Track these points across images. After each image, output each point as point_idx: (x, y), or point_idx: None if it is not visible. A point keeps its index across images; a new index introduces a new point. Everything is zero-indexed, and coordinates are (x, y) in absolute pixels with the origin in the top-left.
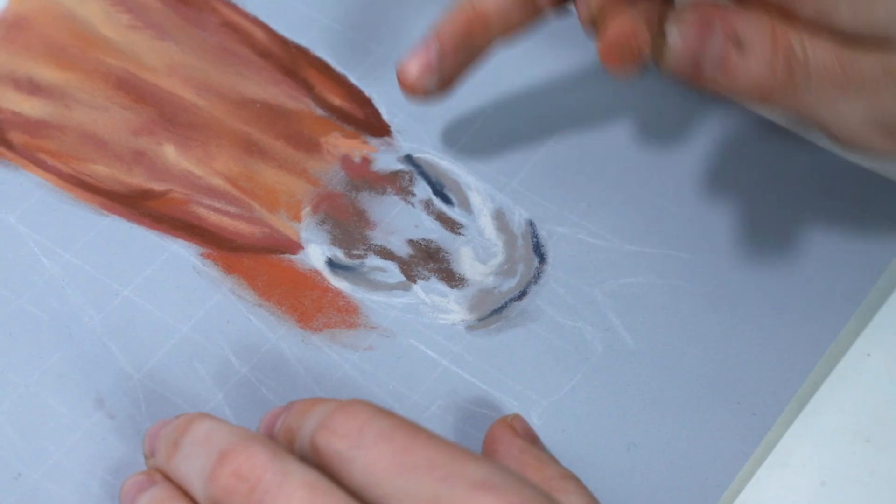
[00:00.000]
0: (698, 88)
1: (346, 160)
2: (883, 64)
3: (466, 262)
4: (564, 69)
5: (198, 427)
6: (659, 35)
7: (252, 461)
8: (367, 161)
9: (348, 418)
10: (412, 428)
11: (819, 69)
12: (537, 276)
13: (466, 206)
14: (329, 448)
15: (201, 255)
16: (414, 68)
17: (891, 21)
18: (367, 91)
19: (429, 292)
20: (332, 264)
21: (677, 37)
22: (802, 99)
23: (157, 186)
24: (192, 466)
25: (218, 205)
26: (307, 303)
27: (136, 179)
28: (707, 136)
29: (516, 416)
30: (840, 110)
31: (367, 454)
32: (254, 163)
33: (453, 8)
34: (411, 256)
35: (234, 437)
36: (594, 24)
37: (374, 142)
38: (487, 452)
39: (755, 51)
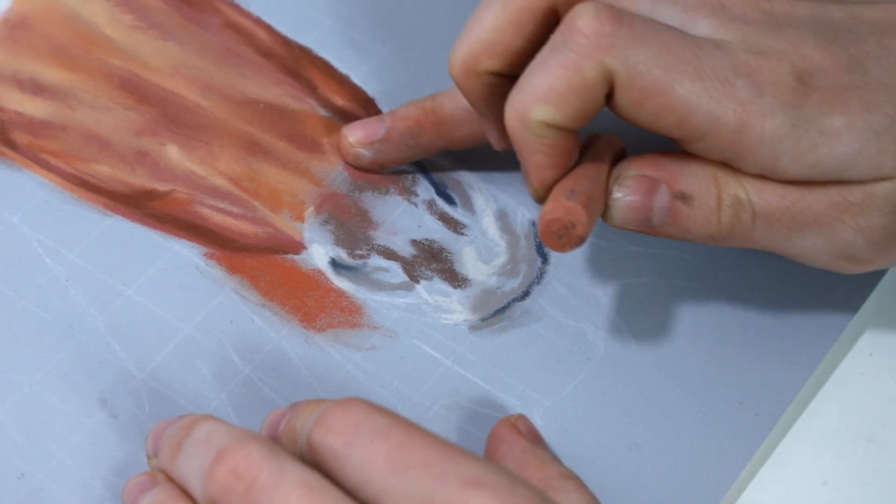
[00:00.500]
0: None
1: None
2: (833, 200)
3: (469, 262)
4: None
5: (199, 428)
6: (606, 194)
7: (248, 460)
8: None
9: (344, 415)
10: (407, 426)
11: (767, 213)
12: (540, 277)
13: (469, 206)
14: (324, 445)
15: (204, 255)
16: (355, 136)
17: (837, 164)
18: (370, 92)
19: (432, 292)
20: (336, 264)
21: (623, 197)
22: (757, 239)
23: (161, 187)
24: (191, 466)
25: (221, 205)
26: (310, 303)
27: (140, 180)
28: None
29: (520, 416)
30: (797, 245)
31: (362, 452)
32: (257, 163)
33: (417, 100)
34: (414, 256)
35: (231, 436)
36: (541, 202)
37: None
38: (490, 452)
39: (700, 203)
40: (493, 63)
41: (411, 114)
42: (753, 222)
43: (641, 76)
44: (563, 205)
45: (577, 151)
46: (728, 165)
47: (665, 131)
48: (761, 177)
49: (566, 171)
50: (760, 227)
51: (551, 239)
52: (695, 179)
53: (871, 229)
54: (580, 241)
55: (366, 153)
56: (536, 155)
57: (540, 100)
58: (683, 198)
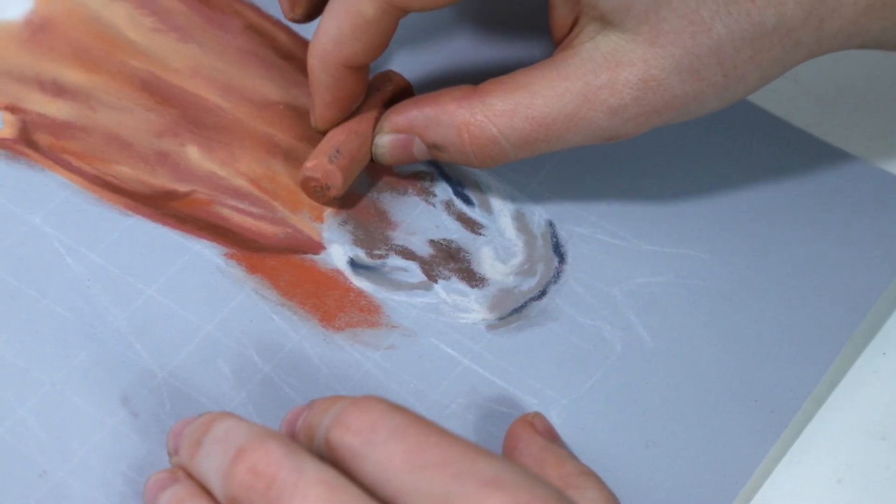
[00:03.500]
0: None
1: None
2: (580, 93)
3: (487, 261)
4: None
5: (219, 426)
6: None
7: (268, 458)
8: None
9: (361, 414)
10: (424, 425)
11: (521, 138)
12: (557, 276)
13: (487, 206)
14: (342, 444)
15: (225, 255)
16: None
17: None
18: None
19: (449, 292)
20: (354, 264)
21: (384, 146)
22: (521, 157)
23: (181, 187)
24: (211, 464)
25: (241, 205)
26: (329, 302)
27: (160, 180)
28: (725, 137)
29: (537, 415)
30: (561, 146)
31: (380, 450)
32: (277, 164)
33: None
34: (432, 256)
35: (250, 435)
36: (320, 132)
37: None
38: (507, 450)
39: (453, 150)
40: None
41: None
42: (510, 150)
43: None
44: (323, 167)
45: (362, 93)
46: (474, 100)
47: None
48: (505, 105)
49: (347, 114)
50: (518, 150)
51: (308, 191)
52: (443, 130)
53: (623, 108)
54: (334, 200)
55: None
56: (325, 94)
57: (334, 42)
58: (437, 147)
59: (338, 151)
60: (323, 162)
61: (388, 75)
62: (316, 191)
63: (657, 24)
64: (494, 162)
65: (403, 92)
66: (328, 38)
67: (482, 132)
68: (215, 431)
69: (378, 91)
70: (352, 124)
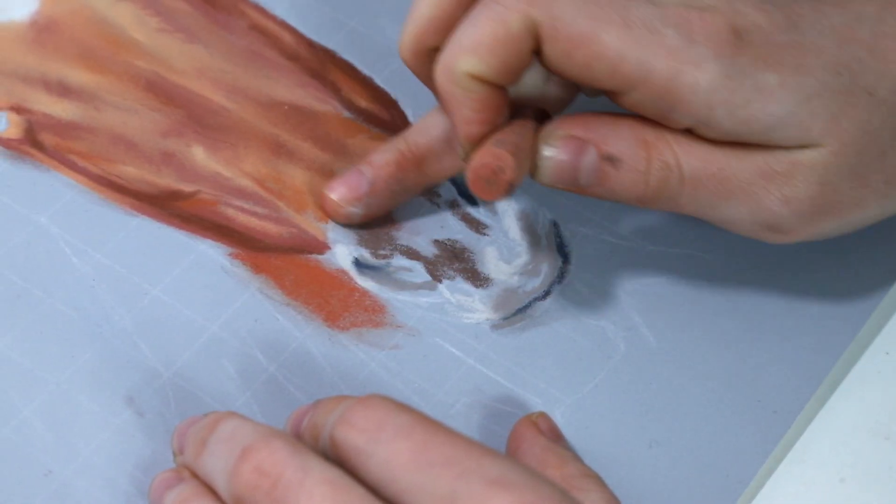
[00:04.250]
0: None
1: None
2: (759, 168)
3: (491, 262)
4: None
5: (224, 425)
6: (535, 153)
7: (273, 457)
8: None
9: (367, 413)
10: (430, 424)
11: (693, 178)
12: (561, 276)
13: (491, 207)
14: (347, 442)
15: (230, 255)
16: (339, 194)
17: (769, 123)
18: (393, 93)
19: (454, 292)
20: (359, 264)
21: (551, 156)
22: (684, 205)
23: (186, 187)
24: (216, 463)
25: (246, 205)
26: (334, 302)
27: (166, 180)
28: None
29: (541, 415)
30: (722, 213)
31: (385, 449)
32: (281, 164)
33: (388, 143)
34: (437, 256)
35: (255, 434)
36: (468, 160)
37: None
38: (511, 449)
39: (628, 166)
40: (438, 39)
41: (389, 159)
42: (681, 187)
43: (566, 26)
44: (490, 151)
45: (506, 111)
46: (660, 128)
47: (598, 83)
48: (692, 140)
49: (493, 129)
50: (687, 193)
51: (480, 185)
52: (624, 143)
53: (796, 200)
54: (508, 186)
55: (355, 210)
56: (462, 109)
57: (466, 52)
58: (611, 160)
59: (501, 141)
60: (488, 147)
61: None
62: (489, 181)
63: (839, 135)
64: (663, 191)
65: (548, 118)
66: (460, 47)
67: (664, 155)
68: (220, 431)
69: (528, 109)
70: (506, 128)
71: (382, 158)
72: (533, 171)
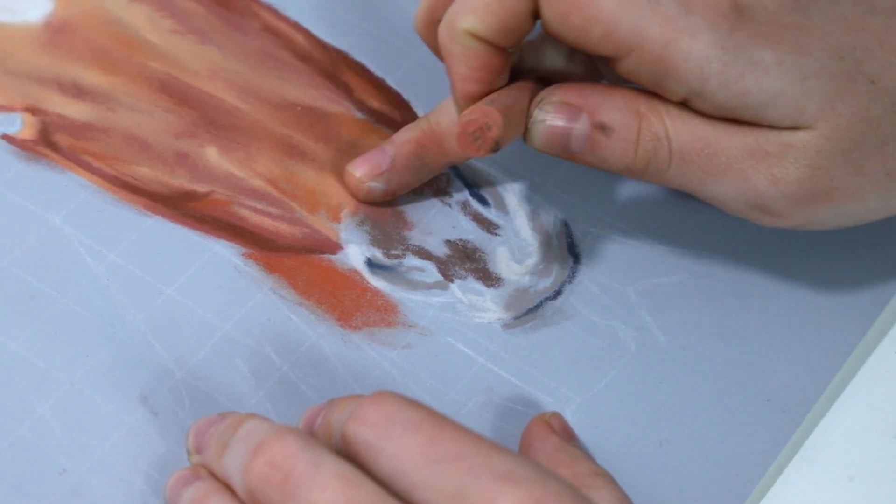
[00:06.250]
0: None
1: None
2: (749, 146)
3: (502, 261)
4: None
5: (244, 426)
6: (529, 116)
7: (285, 452)
8: None
9: (377, 408)
10: (439, 419)
11: (682, 151)
12: (572, 276)
13: (502, 207)
14: (358, 437)
15: (243, 255)
16: (361, 171)
17: (762, 99)
18: (405, 94)
19: (466, 291)
20: (371, 264)
21: (543, 121)
22: (671, 178)
23: (200, 188)
24: (233, 461)
25: (259, 206)
26: (347, 302)
27: (179, 181)
28: None
29: (554, 414)
30: (710, 189)
31: (395, 444)
32: (294, 165)
33: (412, 123)
34: (448, 256)
35: (269, 430)
36: None
37: None
38: (523, 448)
39: (619, 135)
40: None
41: (411, 137)
42: (669, 160)
43: None
44: (480, 108)
45: (504, 74)
46: (654, 100)
47: (594, 48)
48: (684, 113)
49: (491, 90)
50: (675, 166)
51: (467, 140)
52: (617, 112)
53: (784, 181)
54: (494, 144)
55: (376, 185)
56: (460, 66)
57: (466, 11)
58: (603, 128)
59: (493, 101)
60: (479, 105)
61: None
62: (476, 137)
63: (833, 119)
64: (652, 163)
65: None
66: (462, 7)
67: (656, 126)
68: (240, 432)
69: (529, 72)
70: (502, 90)
71: (405, 136)
72: (525, 134)
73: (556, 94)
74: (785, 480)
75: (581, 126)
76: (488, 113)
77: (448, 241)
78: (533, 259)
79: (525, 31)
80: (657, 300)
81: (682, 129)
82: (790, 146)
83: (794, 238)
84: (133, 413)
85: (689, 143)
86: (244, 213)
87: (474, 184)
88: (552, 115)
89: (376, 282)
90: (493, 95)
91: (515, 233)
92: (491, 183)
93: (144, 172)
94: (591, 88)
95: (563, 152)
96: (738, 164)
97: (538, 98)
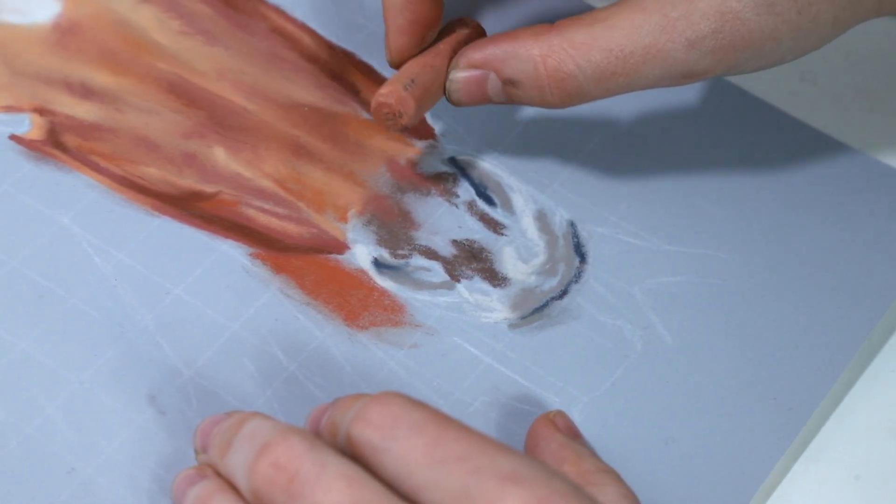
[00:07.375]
0: None
1: (391, 162)
2: (657, 25)
3: (509, 261)
4: None
5: (247, 425)
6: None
7: (290, 452)
8: (411, 163)
9: (381, 409)
10: (444, 420)
11: (598, 72)
12: (578, 276)
13: (509, 207)
14: (362, 438)
15: (250, 255)
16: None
17: None
18: None
19: (472, 291)
20: (378, 264)
21: (458, 82)
22: (599, 95)
23: (208, 188)
24: (238, 461)
25: (266, 206)
26: (353, 301)
27: (187, 181)
28: (745, 138)
29: (559, 413)
30: (637, 83)
31: (400, 445)
32: (301, 165)
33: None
34: (455, 256)
35: (274, 431)
36: (394, 67)
37: (418, 144)
38: (529, 447)
39: (528, 84)
40: None
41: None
42: (589, 84)
43: None
44: (397, 93)
45: (436, 28)
46: (552, 35)
47: None
48: (587, 36)
49: (421, 44)
50: (597, 86)
51: (379, 118)
52: (520, 65)
53: (699, 39)
54: (405, 129)
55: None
56: (398, 17)
57: None
58: (512, 83)
59: (412, 81)
60: (397, 89)
61: (464, 20)
62: (388, 119)
63: None
64: (571, 99)
65: (479, 36)
66: None
67: (560, 65)
68: (244, 430)
69: (454, 32)
70: (427, 58)
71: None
72: (447, 94)
73: (464, 57)
74: (791, 479)
75: (493, 83)
76: (403, 100)
77: (454, 241)
78: (539, 259)
79: None
80: (663, 300)
81: (591, 53)
82: (693, 3)
83: (801, 237)
84: (141, 412)
85: (601, 62)
86: (252, 213)
87: (481, 184)
88: (464, 80)
89: (383, 282)
90: (417, 70)
91: (522, 233)
92: (497, 183)
93: (152, 173)
94: (493, 45)
95: (487, 103)
96: (654, 49)
97: (452, 62)
